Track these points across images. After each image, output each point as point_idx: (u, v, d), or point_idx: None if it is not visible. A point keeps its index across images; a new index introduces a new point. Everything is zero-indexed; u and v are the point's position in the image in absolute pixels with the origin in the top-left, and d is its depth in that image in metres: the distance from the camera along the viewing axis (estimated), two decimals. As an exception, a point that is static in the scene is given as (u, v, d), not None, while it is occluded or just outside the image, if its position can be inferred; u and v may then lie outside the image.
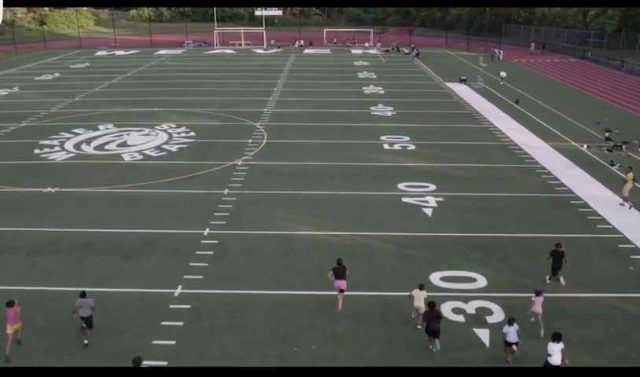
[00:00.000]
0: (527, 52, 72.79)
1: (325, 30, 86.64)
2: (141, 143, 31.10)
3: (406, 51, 72.53)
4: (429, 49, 75.44)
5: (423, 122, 35.54)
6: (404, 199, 22.68)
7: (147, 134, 32.91)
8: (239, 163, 27.40)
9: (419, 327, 13.83)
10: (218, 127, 34.57)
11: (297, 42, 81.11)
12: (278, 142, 31.15)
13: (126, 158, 28.51)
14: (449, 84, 49.25)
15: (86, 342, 13.49)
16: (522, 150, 29.81)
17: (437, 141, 31.29)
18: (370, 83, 49.94)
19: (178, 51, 75.52)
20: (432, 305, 13.25)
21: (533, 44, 75.76)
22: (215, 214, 21.29)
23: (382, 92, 45.83)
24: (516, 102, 41.56)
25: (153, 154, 29.12)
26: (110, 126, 34.85)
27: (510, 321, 12.75)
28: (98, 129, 33.94)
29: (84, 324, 13.50)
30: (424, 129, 33.95)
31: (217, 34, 79.64)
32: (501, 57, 64.75)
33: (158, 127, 34.34)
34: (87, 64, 63.74)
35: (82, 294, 13.64)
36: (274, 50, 76.32)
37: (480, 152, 29.42)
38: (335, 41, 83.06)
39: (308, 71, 56.92)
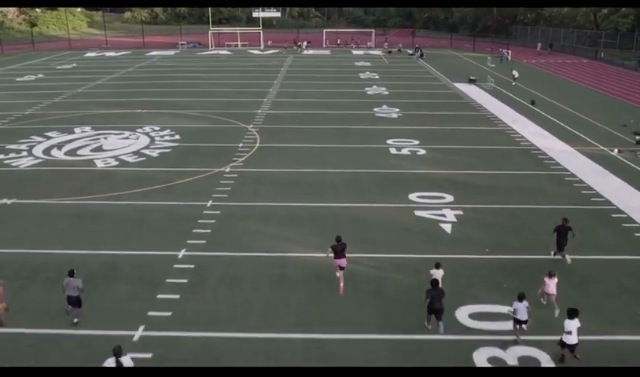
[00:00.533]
0: (534, 52, 69.64)
1: (324, 31, 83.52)
2: (118, 147, 27.78)
3: (410, 52, 69.37)
4: (433, 50, 72.28)
5: (432, 125, 32.25)
6: (418, 213, 19.34)
7: (127, 138, 29.61)
8: (227, 170, 24.09)
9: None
10: (206, 130, 31.27)
11: (303, 43, 77.63)
12: (272, 146, 27.86)
13: (99, 164, 25.18)
14: (457, 85, 46.01)
15: (75, 320, 12.84)
16: (546, 155, 26.51)
17: (450, 145, 28.01)
18: (373, 84, 46.70)
19: (171, 52, 72.33)
20: (435, 282, 12.69)
21: (539, 44, 72.63)
22: (195, 230, 17.96)
23: (386, 93, 42.57)
24: (532, 103, 38.29)
25: (131, 160, 25.80)
26: (87, 128, 31.54)
27: (520, 297, 12.04)
28: (73, 133, 30.63)
29: (69, 306, 12.79)
30: (435, 132, 30.67)
31: (212, 34, 76.48)
32: (509, 58, 61.58)
33: (140, 130, 31.04)
34: (74, 64, 60.52)
35: (70, 273, 12.87)
36: (275, 51, 73.00)
37: (499, 158, 26.11)
38: (338, 42, 79.78)
39: (307, 72, 53.69)
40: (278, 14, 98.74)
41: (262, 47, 76.65)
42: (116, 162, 25.35)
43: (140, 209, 19.84)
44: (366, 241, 17.24)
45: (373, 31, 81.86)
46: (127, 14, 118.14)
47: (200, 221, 18.74)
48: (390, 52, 71.48)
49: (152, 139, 29.27)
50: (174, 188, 22.04)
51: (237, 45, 77.79)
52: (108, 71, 54.35)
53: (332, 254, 14.43)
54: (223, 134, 30.14)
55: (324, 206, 20.14)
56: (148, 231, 18.04)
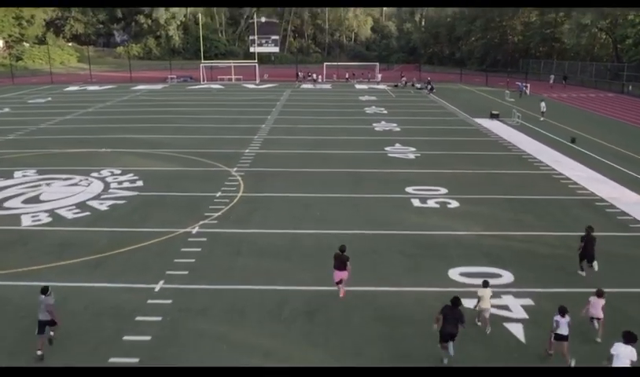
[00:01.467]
0: (546, 85, 64.12)
1: (325, 64, 78.37)
2: (59, 197, 21.41)
3: (418, 85, 63.90)
4: (442, 85, 66.83)
5: (460, 168, 26.04)
6: (468, 302, 12.81)
7: (75, 184, 23.29)
8: (194, 232, 17.71)
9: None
10: (178, 174, 25.02)
11: (314, 76, 72.20)
12: (258, 196, 21.54)
13: (26, 221, 18.78)
14: (478, 120, 40.07)
15: (39, 352, 10.69)
16: (617, 208, 20.18)
17: (488, 195, 21.71)
18: (381, 119, 40.75)
19: (159, 86, 66.85)
20: (456, 301, 10.63)
21: (552, 76, 67.23)
22: (127, 337, 11.46)
23: (398, 129, 36.55)
24: (573, 141, 32.19)
25: (69, 215, 19.41)
26: (31, 172, 25.26)
27: (562, 311, 10.62)
28: (12, 177, 24.32)
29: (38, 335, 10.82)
30: (465, 177, 24.43)
31: (204, 68, 71.23)
32: (528, 92, 55.96)
33: (95, 174, 24.77)
34: (49, 98, 54.79)
35: (43, 290, 11.06)
36: (272, 85, 67.53)
37: (560, 213, 19.76)
38: (347, 76, 74.08)
39: (305, 107, 47.87)
40: (276, 49, 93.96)
41: (257, 81, 71.30)
42: (49, 219, 18.95)
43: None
44: (395, 352, 10.69)
45: (377, 64, 76.73)
46: (120, 49, 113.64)
47: (138, 317, 12.26)
48: (396, 86, 66.01)
49: (107, 186, 22.97)
50: (114, 260, 15.58)
51: (230, 79, 72.43)
52: (84, 105, 48.53)
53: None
54: (199, 180, 23.89)
55: (327, 290, 13.64)
56: (58, 339, 11.49)
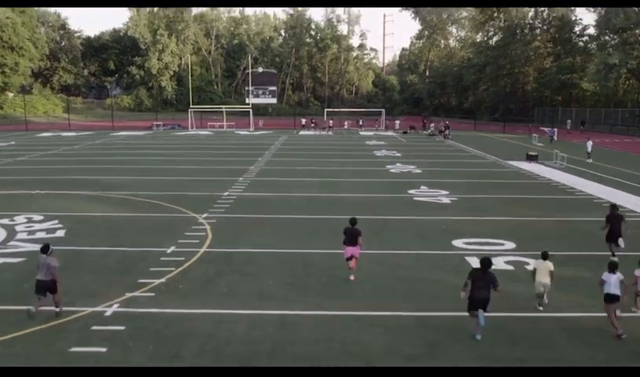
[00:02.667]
0: (564, 131, 57.64)
1: (326, 109, 72.35)
2: None
3: (429, 131, 57.47)
4: (455, 133, 60.39)
5: (518, 214, 18.77)
6: None
7: (-34, 234, 15.93)
8: (108, 313, 10.23)
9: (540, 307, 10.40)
10: (123, 221, 17.65)
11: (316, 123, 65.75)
12: (231, 252, 14.16)
13: None
14: (513, 162, 33.11)
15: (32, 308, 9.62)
16: None
17: (578, 251, 14.32)
18: (396, 161, 33.81)
19: (141, 133, 60.33)
20: (487, 263, 9.45)
21: (569, 121, 60.98)
22: None
23: (418, 171, 29.53)
24: (646, 183, 25.20)
25: None
26: None
27: (612, 267, 9.56)
28: None
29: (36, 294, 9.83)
30: (530, 225, 17.14)
31: (193, 114, 65.12)
32: (555, 138, 49.39)
33: (6, 220, 17.41)
34: (13, 142, 48.01)
35: (44, 248, 10.16)
36: (267, 132, 60.91)
37: None
38: (361, 123, 66.78)
39: (305, 149, 41.05)
40: (274, 100, 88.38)
41: (251, 129, 64.97)
42: None
43: None
44: None
45: (383, 110, 70.66)
46: (109, 100, 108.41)
47: None
48: (405, 132, 59.59)
49: (11, 235, 15.56)
50: None
51: (221, 126, 66.15)
52: (46, 148, 41.64)
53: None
54: (149, 230, 16.51)
55: None
56: None
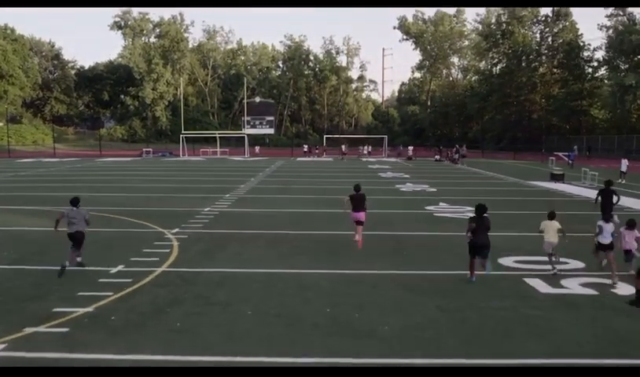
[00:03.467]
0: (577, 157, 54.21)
1: (325, 136, 69.07)
2: None
3: (437, 157, 53.99)
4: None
5: (569, 230, 14.82)
6: None
7: None
8: (-26, 361, 6.25)
9: (554, 270, 10.34)
10: (63, 236, 13.72)
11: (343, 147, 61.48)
12: (197, 273, 10.26)
13: None
14: (538, 183, 29.37)
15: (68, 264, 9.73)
16: None
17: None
18: (405, 181, 30.09)
19: (128, 159, 56.69)
20: (481, 208, 9.97)
21: (575, 147, 57.49)
22: None
23: (432, 189, 25.75)
24: (703, 201, 21.39)
25: None
26: None
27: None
28: None
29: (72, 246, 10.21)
30: (589, 241, 13.19)
31: (184, 139, 61.72)
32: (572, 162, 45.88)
33: None
34: (-14, 166, 44.27)
35: (74, 201, 10.48)
36: (263, 158, 57.36)
37: None
38: (369, 149, 61.84)
39: (303, 171, 37.30)
40: (271, 130, 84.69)
41: (247, 155, 61.46)
42: None
43: None
44: None
45: (386, 136, 67.36)
46: (102, 130, 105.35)
47: None
48: (410, 158, 56.07)
49: None
50: None
51: (215, 153, 62.65)
52: (16, 171, 37.83)
53: (350, 207, 12.61)
54: (97, 244, 12.55)
55: None
56: None
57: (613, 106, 57.61)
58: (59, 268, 9.78)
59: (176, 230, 14.37)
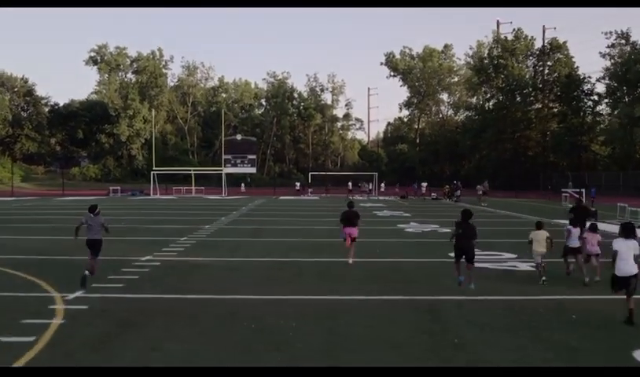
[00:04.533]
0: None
1: (310, 173, 64.24)
2: None
3: (434, 194, 49.35)
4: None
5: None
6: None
7: None
8: None
9: (544, 280, 10.69)
10: None
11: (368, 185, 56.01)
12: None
13: None
14: (561, 221, 24.58)
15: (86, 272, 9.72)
16: None
17: None
18: (409, 220, 25.12)
19: (91, 198, 51.06)
20: (466, 214, 10.45)
21: (571, 183, 53.40)
22: None
23: (445, 230, 20.76)
24: None
25: None
26: None
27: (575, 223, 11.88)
28: None
29: (91, 254, 10.37)
30: None
31: (156, 177, 56.53)
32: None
33: None
34: None
35: (92, 208, 10.71)
36: (243, 197, 52.16)
37: None
38: (369, 186, 57.55)
39: (285, 209, 32.12)
40: (253, 170, 79.55)
41: (224, 194, 56.29)
42: None
43: None
44: None
45: (376, 173, 62.78)
46: (74, 170, 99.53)
47: None
48: (403, 196, 51.35)
49: None
50: None
51: (189, 191, 57.39)
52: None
53: (341, 225, 12.73)
54: None
55: None
56: None
57: (622, 139, 53.81)
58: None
59: (77, 294, 9.14)
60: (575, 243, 11.11)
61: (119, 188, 57.20)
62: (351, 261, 12.26)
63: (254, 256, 14.09)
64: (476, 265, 11.45)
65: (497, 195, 57.38)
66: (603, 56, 56.00)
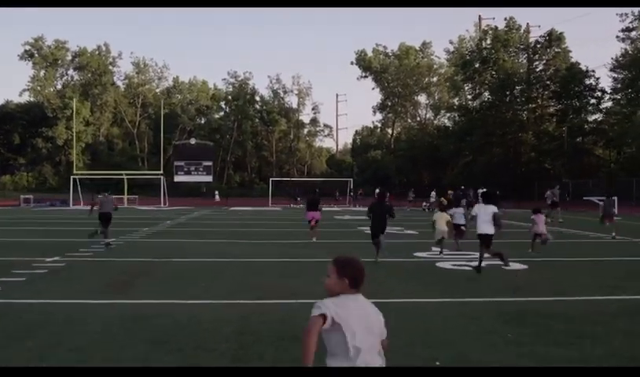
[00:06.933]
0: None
1: (271, 179, 54.63)
2: None
3: (426, 204, 40.80)
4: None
5: None
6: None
7: None
8: None
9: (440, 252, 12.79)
10: None
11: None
12: None
13: None
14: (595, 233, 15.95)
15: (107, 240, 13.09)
16: None
17: None
18: (413, 239, 15.95)
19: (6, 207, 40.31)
20: (381, 195, 12.12)
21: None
22: None
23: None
24: None
25: None
26: None
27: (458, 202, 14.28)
28: None
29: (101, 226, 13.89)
30: None
31: (78, 182, 46.28)
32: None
33: None
34: None
35: (105, 190, 15.48)
36: (188, 207, 42.02)
37: None
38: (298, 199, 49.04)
39: (240, 220, 22.44)
40: (209, 178, 68.69)
41: (165, 205, 46.24)
42: None
43: None
44: None
45: (351, 179, 53.79)
46: (5, 178, 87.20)
47: None
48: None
49: None
50: None
51: (121, 200, 47.03)
52: None
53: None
54: None
55: None
56: None
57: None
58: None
59: None
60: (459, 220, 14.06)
61: (31, 197, 46.48)
62: (314, 239, 14.45)
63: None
64: None
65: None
66: (620, 39, 48.57)
